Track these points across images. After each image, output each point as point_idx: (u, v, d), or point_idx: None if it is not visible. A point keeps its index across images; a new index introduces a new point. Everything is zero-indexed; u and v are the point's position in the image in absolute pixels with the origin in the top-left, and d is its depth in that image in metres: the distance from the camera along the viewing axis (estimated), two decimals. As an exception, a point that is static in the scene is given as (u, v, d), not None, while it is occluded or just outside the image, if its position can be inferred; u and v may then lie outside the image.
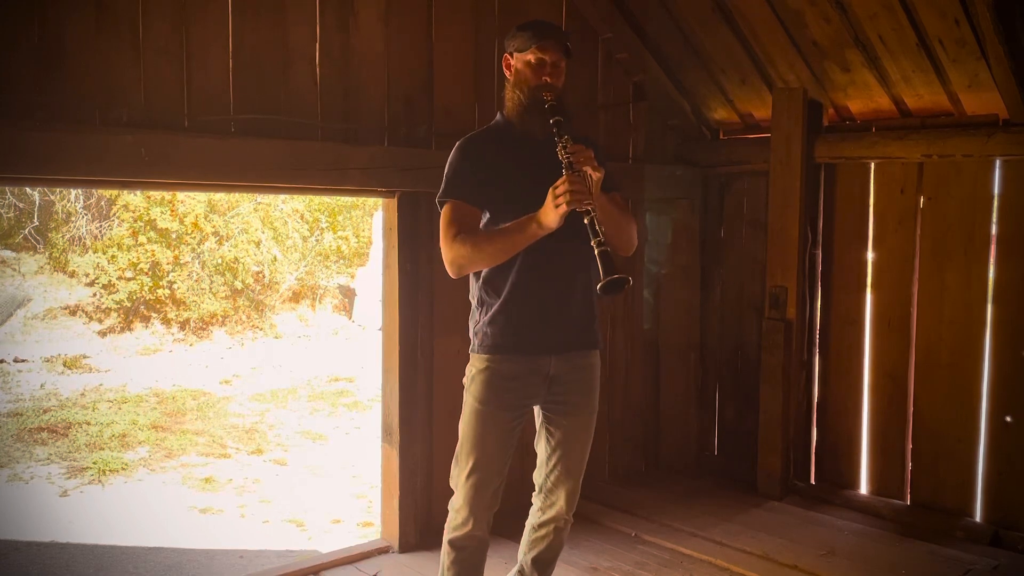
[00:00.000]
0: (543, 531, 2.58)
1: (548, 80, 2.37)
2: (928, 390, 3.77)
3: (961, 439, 3.66)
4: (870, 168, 3.90)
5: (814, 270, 4.07)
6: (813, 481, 4.15)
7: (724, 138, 4.45)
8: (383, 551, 3.46)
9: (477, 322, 2.46)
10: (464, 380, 2.49)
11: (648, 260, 4.43)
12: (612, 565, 3.35)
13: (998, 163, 3.51)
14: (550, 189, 2.19)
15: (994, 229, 3.54)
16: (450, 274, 2.39)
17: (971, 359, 3.62)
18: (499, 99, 2.56)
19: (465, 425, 2.45)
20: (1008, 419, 3.53)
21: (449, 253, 2.34)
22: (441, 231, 2.37)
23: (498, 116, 2.53)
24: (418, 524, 3.47)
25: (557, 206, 2.16)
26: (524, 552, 2.64)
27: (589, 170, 2.22)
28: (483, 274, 2.43)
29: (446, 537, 2.52)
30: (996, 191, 3.53)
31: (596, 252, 2.15)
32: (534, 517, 2.61)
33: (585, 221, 2.17)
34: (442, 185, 2.42)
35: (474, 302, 2.50)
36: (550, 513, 2.55)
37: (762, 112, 4.15)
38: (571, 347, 2.46)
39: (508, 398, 2.42)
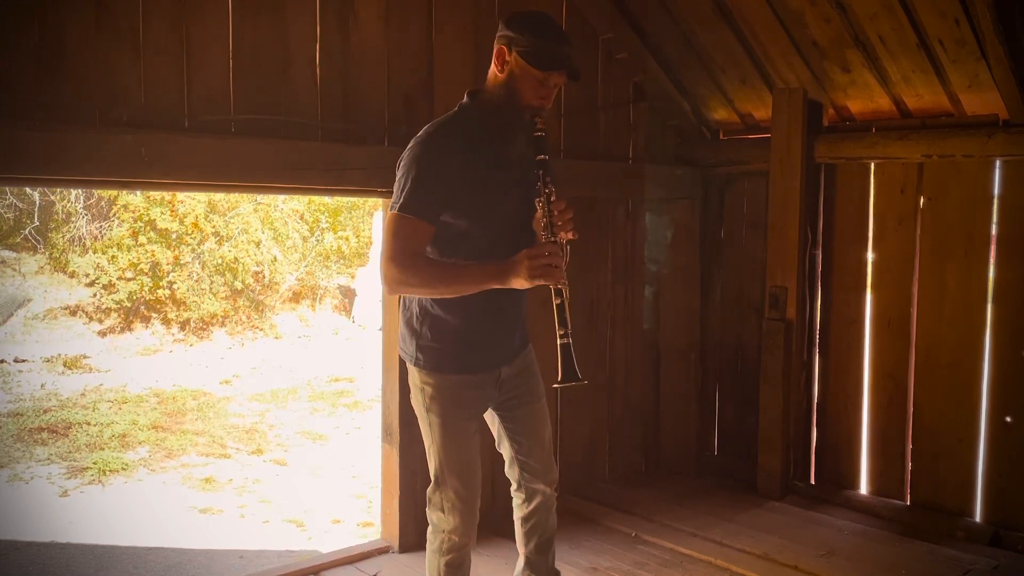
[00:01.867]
0: (533, 520, 2.59)
1: (544, 104, 2.21)
2: (928, 390, 3.77)
3: (961, 439, 3.66)
4: (870, 168, 3.90)
5: (814, 270, 4.07)
6: (813, 481, 4.15)
7: (724, 138, 4.45)
8: (383, 551, 3.46)
9: (420, 334, 2.33)
10: (415, 399, 2.41)
11: (648, 260, 4.44)
12: (612, 565, 3.35)
13: (998, 163, 3.51)
14: (525, 257, 2.07)
15: (994, 229, 3.54)
16: (384, 290, 2.24)
17: (971, 359, 3.61)
18: (475, 80, 2.39)
19: (437, 445, 2.37)
20: (1008, 419, 3.53)
21: (390, 271, 2.15)
22: (385, 241, 2.19)
23: (466, 100, 2.31)
24: (418, 524, 3.46)
25: (532, 276, 2.06)
26: (523, 544, 2.64)
27: (566, 235, 2.15)
28: None
29: (441, 561, 2.46)
30: (996, 191, 3.53)
31: (559, 343, 2.09)
32: (520, 511, 2.60)
33: (555, 302, 2.10)
34: (399, 188, 2.19)
35: (415, 310, 2.35)
36: (535, 501, 2.56)
37: (762, 112, 4.15)
38: (517, 353, 2.47)
39: (471, 408, 2.41)
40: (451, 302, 2.28)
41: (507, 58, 2.21)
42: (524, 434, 2.50)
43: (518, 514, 2.62)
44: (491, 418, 2.54)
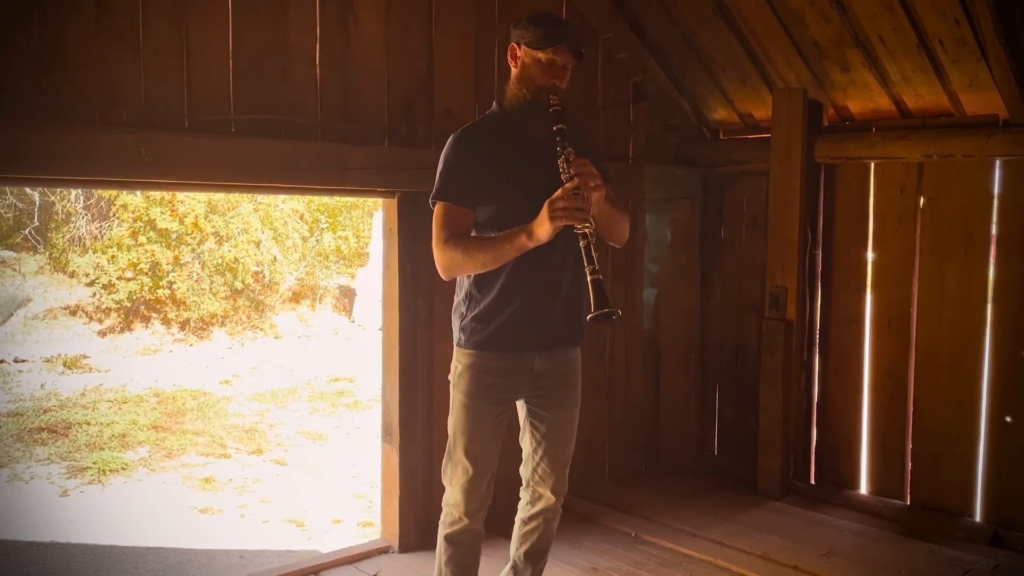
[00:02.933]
0: (533, 523, 2.61)
1: (555, 83, 2.34)
2: (928, 390, 3.77)
3: (961, 439, 3.66)
4: (870, 168, 3.90)
5: (814, 270, 4.07)
6: (813, 481, 4.15)
7: (724, 138, 4.45)
8: (383, 551, 3.46)
9: (463, 316, 2.46)
10: (450, 376, 2.51)
11: (648, 260, 4.43)
12: (612, 565, 3.35)
13: (998, 163, 3.51)
14: (546, 202, 2.15)
15: (994, 229, 3.54)
16: (441, 276, 2.40)
17: (971, 359, 3.61)
18: (499, 90, 2.53)
19: (454, 421, 2.48)
20: (1008, 419, 3.53)
21: (442, 257, 2.35)
22: (433, 232, 2.37)
23: (495, 106, 2.50)
24: (418, 524, 3.47)
25: (553, 219, 2.14)
26: (516, 547, 2.66)
27: (590, 187, 2.21)
28: None
29: (441, 533, 2.55)
30: (996, 191, 3.53)
31: (589, 280, 2.14)
32: (523, 511, 2.63)
33: (581, 244, 2.16)
34: (436, 182, 2.39)
35: (460, 295, 2.49)
36: (539, 506, 2.58)
37: (762, 112, 4.15)
38: (555, 344, 2.48)
39: (495, 392, 2.44)
40: (487, 284, 2.40)
41: (517, 53, 2.40)
42: (548, 438, 2.53)
43: (520, 514, 2.64)
44: (520, 410, 2.56)
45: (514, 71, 2.42)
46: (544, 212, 2.15)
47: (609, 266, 4.23)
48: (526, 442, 2.57)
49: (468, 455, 2.45)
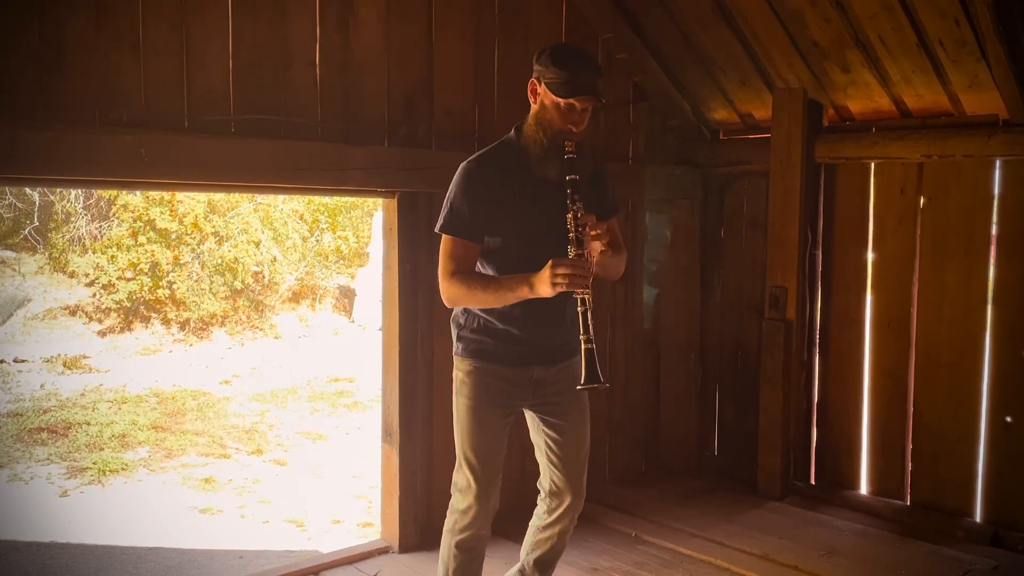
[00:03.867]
0: (549, 532, 2.61)
1: (572, 128, 2.33)
2: (928, 390, 3.77)
3: (961, 439, 3.66)
4: (870, 168, 3.90)
5: (814, 270, 4.07)
6: (813, 481, 4.15)
7: (724, 138, 4.45)
8: (383, 551, 3.46)
9: (462, 326, 2.50)
10: (454, 384, 2.53)
11: (648, 260, 4.43)
12: (612, 565, 3.35)
13: (998, 163, 3.51)
14: (549, 266, 2.19)
15: (994, 229, 3.54)
16: (445, 304, 2.44)
17: (971, 359, 3.61)
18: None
19: (462, 427, 2.49)
20: (1008, 419, 3.53)
21: (447, 290, 2.39)
22: (440, 262, 2.41)
23: (513, 133, 2.47)
24: (418, 524, 3.47)
25: (554, 285, 2.18)
26: (527, 552, 2.66)
27: (593, 245, 2.25)
28: None
29: (452, 540, 2.55)
30: (996, 191, 3.53)
31: (583, 348, 2.20)
32: (540, 519, 2.63)
33: (579, 310, 2.21)
34: (444, 213, 2.40)
35: (461, 307, 2.51)
36: (555, 515, 2.58)
37: (762, 112, 4.15)
38: (550, 362, 2.50)
39: (498, 396, 2.47)
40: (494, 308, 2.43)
41: (538, 90, 2.37)
42: (561, 446, 2.54)
43: (535, 522, 2.65)
44: (533, 424, 2.58)
45: (533, 107, 2.40)
46: (546, 274, 2.20)
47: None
48: (541, 455, 2.58)
49: (479, 460, 2.46)
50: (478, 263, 2.45)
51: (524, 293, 2.27)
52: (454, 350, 2.53)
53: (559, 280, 2.17)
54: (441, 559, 2.61)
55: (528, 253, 2.35)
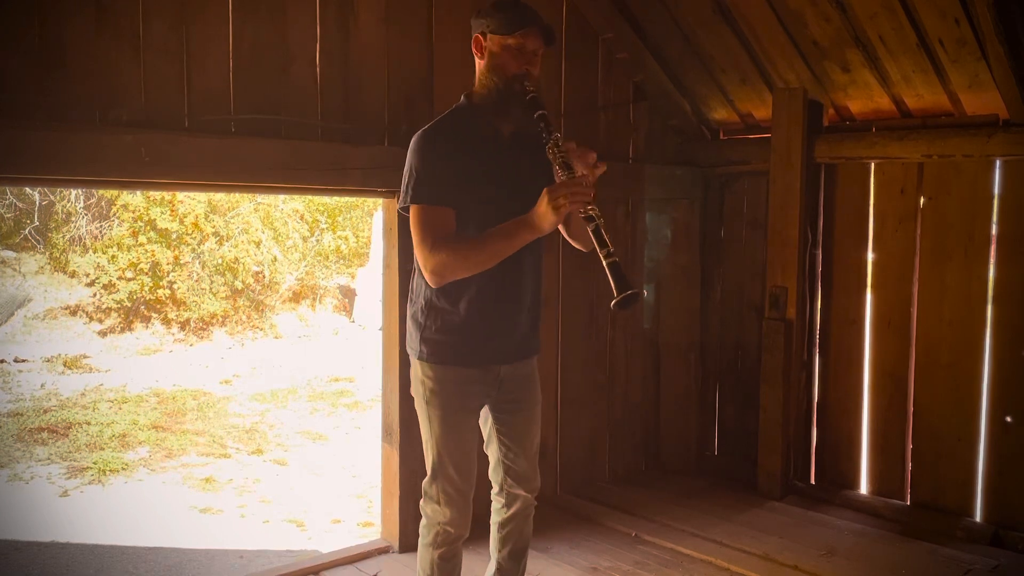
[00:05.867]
0: (511, 525, 2.59)
1: (528, 69, 2.23)
2: (928, 390, 3.77)
3: (961, 439, 3.66)
4: (870, 168, 3.90)
5: (814, 270, 4.07)
6: (813, 481, 4.15)
7: (724, 138, 4.45)
8: (383, 551, 3.46)
9: (422, 327, 2.36)
10: (415, 391, 2.44)
11: (648, 260, 4.43)
12: (612, 565, 3.35)
13: (998, 163, 3.51)
14: (545, 191, 2.05)
15: (994, 229, 3.54)
16: (430, 283, 2.26)
17: (971, 359, 3.61)
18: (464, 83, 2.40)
19: (436, 437, 2.39)
20: (1008, 419, 3.53)
21: (430, 262, 2.18)
22: (415, 238, 2.22)
23: (463, 99, 2.35)
24: (418, 524, 3.46)
25: (557, 208, 2.02)
26: (497, 550, 2.64)
27: (589, 165, 2.15)
28: None
29: (434, 554, 2.48)
30: (996, 191, 3.53)
31: (605, 264, 2.02)
32: (499, 515, 2.60)
33: (590, 227, 2.04)
34: (406, 186, 2.23)
35: (419, 303, 2.38)
36: (516, 507, 2.56)
37: (762, 112, 4.15)
38: (519, 357, 2.46)
39: (471, 400, 2.41)
40: (453, 295, 2.30)
41: (483, 43, 2.29)
42: (514, 439, 2.50)
43: (496, 518, 2.62)
44: (484, 419, 2.54)
45: (480, 62, 2.30)
46: (544, 201, 2.04)
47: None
48: (492, 449, 2.54)
49: (455, 468, 2.40)
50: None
51: (524, 236, 2.12)
52: (415, 352, 2.39)
53: (561, 200, 2.01)
54: (422, 570, 2.54)
55: (510, 208, 2.18)
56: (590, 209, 2.05)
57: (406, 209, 2.26)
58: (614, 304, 1.99)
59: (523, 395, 2.49)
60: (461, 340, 2.34)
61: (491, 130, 2.31)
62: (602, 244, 2.03)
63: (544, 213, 2.06)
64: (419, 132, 2.28)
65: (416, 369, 2.43)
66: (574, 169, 2.11)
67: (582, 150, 2.18)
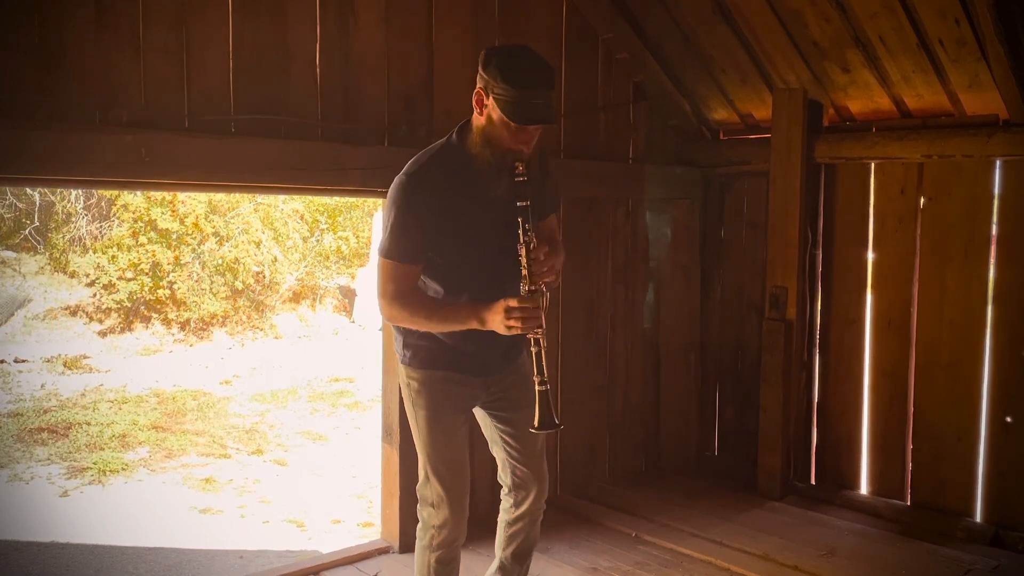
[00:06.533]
0: (519, 525, 2.59)
1: (524, 149, 2.19)
2: (928, 390, 3.76)
3: (961, 439, 3.66)
4: (870, 168, 3.90)
5: (814, 270, 4.07)
6: (813, 481, 4.14)
7: (724, 138, 4.45)
8: (383, 551, 3.46)
9: (407, 332, 2.41)
10: (404, 396, 2.48)
11: (648, 260, 4.43)
12: (612, 565, 3.35)
13: (998, 163, 3.51)
14: (502, 307, 2.15)
15: (994, 229, 3.54)
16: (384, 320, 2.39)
17: (971, 359, 3.61)
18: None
19: (425, 440, 2.44)
20: (1008, 419, 3.53)
21: (386, 310, 2.30)
22: (379, 282, 2.30)
23: (454, 137, 2.30)
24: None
25: (508, 328, 2.15)
26: (502, 548, 2.64)
27: (545, 284, 2.22)
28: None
29: (431, 557, 2.50)
30: (996, 191, 3.53)
31: (536, 391, 2.18)
32: (506, 514, 2.61)
33: (532, 350, 2.18)
34: (385, 235, 2.26)
35: None
36: (524, 507, 2.56)
37: (762, 112, 4.15)
38: (501, 370, 2.47)
39: (457, 401, 2.44)
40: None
41: (485, 102, 2.18)
42: (518, 439, 2.51)
43: (504, 517, 2.63)
44: (484, 420, 2.55)
45: (478, 120, 2.22)
46: (500, 317, 2.16)
47: (609, 265, 4.23)
48: (499, 450, 2.55)
49: (447, 468, 2.42)
50: (421, 278, 2.35)
51: (474, 326, 2.22)
52: (401, 358, 2.45)
53: (513, 324, 2.14)
54: (419, 573, 2.56)
55: (475, 271, 2.31)
56: (536, 334, 2.17)
57: (380, 252, 2.31)
58: (531, 430, 2.24)
59: (518, 392, 2.49)
60: (440, 347, 2.39)
61: (475, 188, 2.29)
62: (539, 371, 2.19)
63: (496, 324, 2.19)
64: (403, 175, 2.27)
65: (402, 373, 2.47)
66: (536, 283, 2.19)
67: (548, 259, 2.23)
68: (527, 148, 2.20)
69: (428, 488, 2.46)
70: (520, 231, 2.19)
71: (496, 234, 2.27)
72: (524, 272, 2.18)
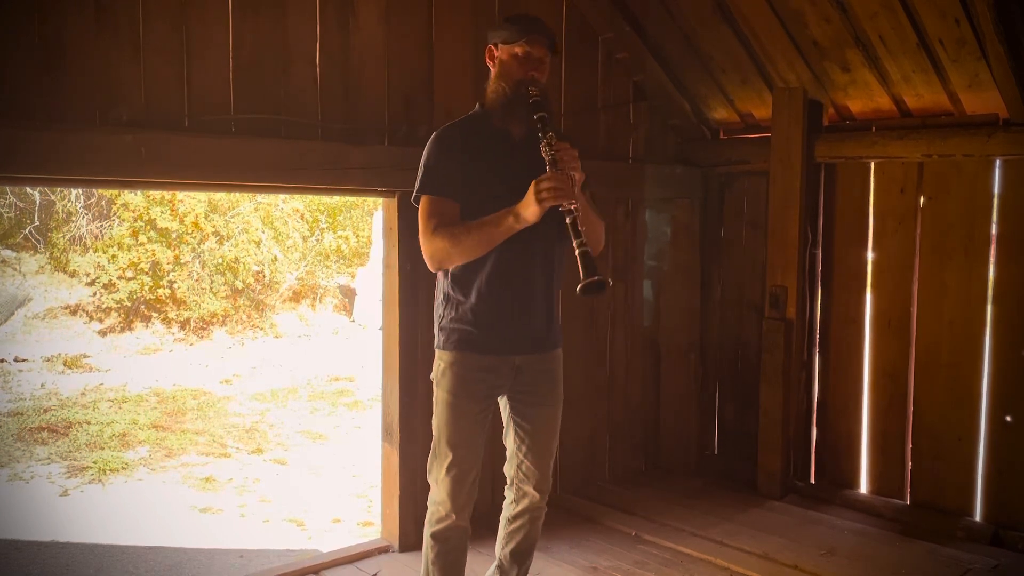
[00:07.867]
0: (518, 522, 2.61)
1: (534, 74, 2.39)
2: (928, 390, 3.77)
3: (961, 439, 3.66)
4: (870, 168, 3.90)
5: (814, 270, 4.07)
6: (813, 481, 4.15)
7: (724, 138, 4.45)
8: (383, 551, 3.46)
9: (442, 317, 2.50)
10: (432, 375, 2.53)
11: (648, 259, 4.43)
12: (612, 565, 3.35)
13: (998, 163, 3.51)
14: (533, 183, 2.21)
15: (994, 229, 3.54)
16: (430, 268, 2.43)
17: (971, 359, 3.61)
18: (480, 90, 2.57)
19: (439, 419, 2.49)
20: (1008, 419, 3.53)
21: (429, 247, 2.38)
22: (420, 225, 2.41)
23: (477, 107, 2.54)
24: (418, 524, 3.44)
25: (540, 201, 2.19)
26: (501, 546, 2.67)
27: (572, 166, 2.26)
28: (451, 272, 2.46)
29: (428, 531, 2.56)
30: (996, 191, 3.53)
31: (577, 252, 2.17)
32: (508, 510, 2.64)
33: (567, 220, 2.19)
34: (419, 178, 2.43)
35: (440, 297, 2.53)
36: (524, 504, 2.59)
37: (762, 112, 4.15)
38: (537, 349, 2.51)
39: (478, 389, 2.46)
40: (464, 284, 2.43)
41: (495, 54, 2.47)
42: (532, 435, 2.54)
43: (505, 513, 2.65)
44: (504, 408, 2.58)
45: (493, 71, 2.48)
46: (531, 193, 2.21)
47: (608, 266, 4.23)
48: (510, 440, 2.59)
49: (454, 452, 2.46)
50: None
51: (510, 223, 2.27)
52: (435, 343, 2.53)
53: (544, 195, 2.18)
54: (423, 553, 2.61)
55: (507, 207, 2.34)
56: (570, 204, 2.20)
57: (417, 200, 2.44)
58: (579, 289, 2.14)
59: (544, 389, 2.53)
60: (473, 328, 2.43)
61: (501, 133, 2.46)
62: (576, 235, 2.17)
63: (528, 204, 2.23)
64: (435, 133, 2.48)
65: (436, 357, 2.53)
66: (560, 167, 2.24)
67: (571, 151, 2.29)
68: (539, 74, 2.40)
69: (434, 462, 2.51)
70: (540, 132, 2.28)
71: (525, 176, 2.31)
72: (548, 159, 2.24)
